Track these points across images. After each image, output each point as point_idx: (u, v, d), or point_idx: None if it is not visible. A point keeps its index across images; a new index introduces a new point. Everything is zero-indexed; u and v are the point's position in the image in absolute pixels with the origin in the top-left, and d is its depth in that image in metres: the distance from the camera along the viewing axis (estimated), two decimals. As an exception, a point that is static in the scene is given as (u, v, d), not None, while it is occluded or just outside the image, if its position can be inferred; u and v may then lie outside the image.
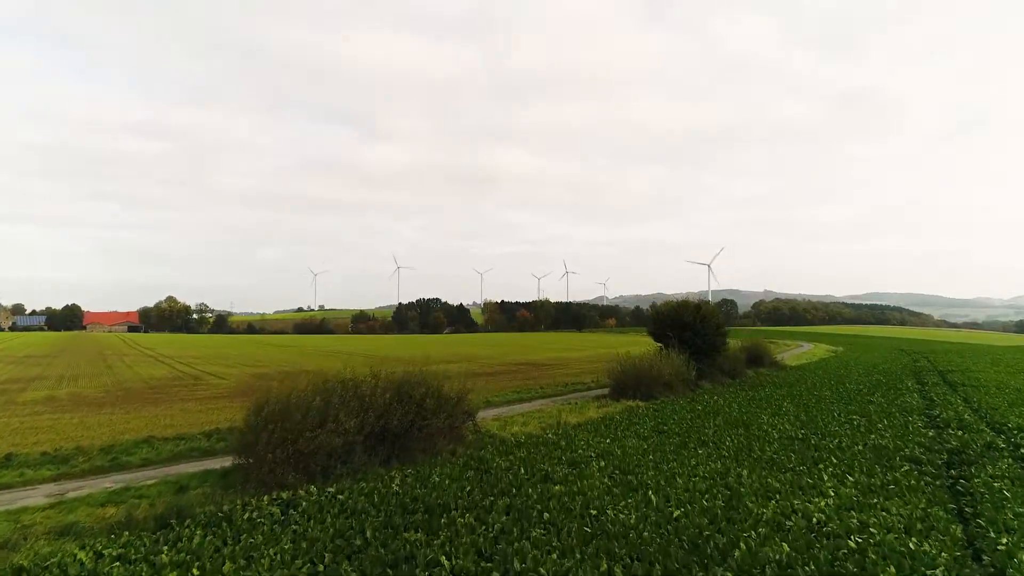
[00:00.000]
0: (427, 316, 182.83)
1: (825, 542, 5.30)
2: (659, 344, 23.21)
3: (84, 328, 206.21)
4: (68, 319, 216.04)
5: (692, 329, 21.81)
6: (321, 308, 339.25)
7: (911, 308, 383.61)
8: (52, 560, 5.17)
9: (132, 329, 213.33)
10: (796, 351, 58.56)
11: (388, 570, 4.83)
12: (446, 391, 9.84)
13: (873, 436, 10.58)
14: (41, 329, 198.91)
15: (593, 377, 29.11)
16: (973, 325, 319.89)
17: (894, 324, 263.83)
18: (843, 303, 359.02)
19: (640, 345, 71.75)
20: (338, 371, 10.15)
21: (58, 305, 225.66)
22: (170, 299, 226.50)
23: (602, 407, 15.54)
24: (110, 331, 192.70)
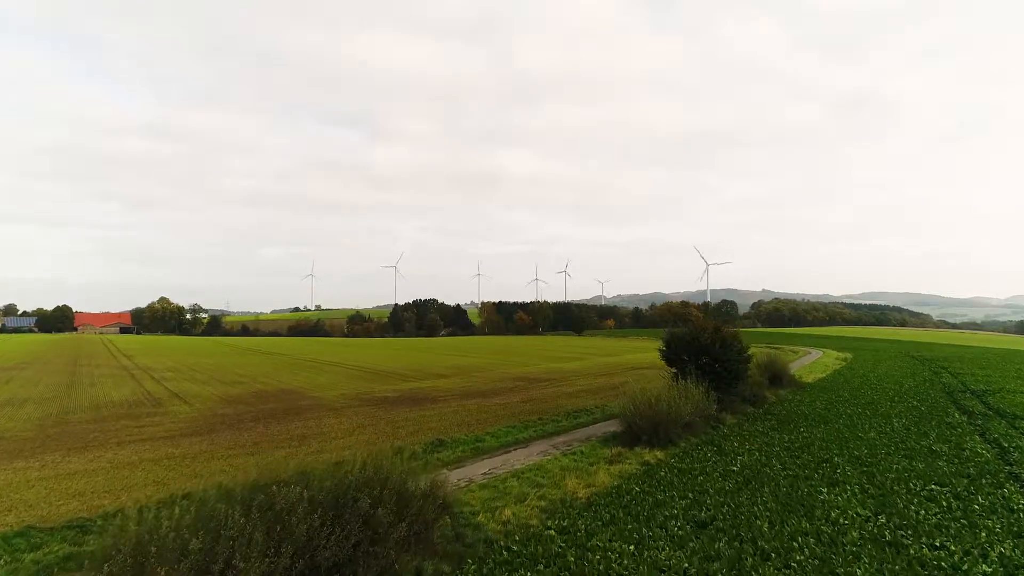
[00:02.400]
0: (423, 317, 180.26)
1: None
2: (672, 368, 20.59)
3: (75, 330, 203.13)
4: (59, 320, 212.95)
5: (711, 354, 19.18)
6: (318, 308, 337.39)
7: (910, 308, 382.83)
8: None
9: (124, 331, 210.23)
10: (806, 360, 56.03)
11: None
12: (411, 488, 7.12)
13: (982, 534, 7.95)
14: (31, 331, 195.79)
15: (597, 400, 26.47)
16: (973, 325, 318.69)
17: (894, 325, 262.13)
18: (842, 303, 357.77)
19: (642, 351, 69.25)
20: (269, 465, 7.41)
21: (55, 305, 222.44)
22: (163, 300, 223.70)
23: (614, 461, 12.88)
24: (101, 333, 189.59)
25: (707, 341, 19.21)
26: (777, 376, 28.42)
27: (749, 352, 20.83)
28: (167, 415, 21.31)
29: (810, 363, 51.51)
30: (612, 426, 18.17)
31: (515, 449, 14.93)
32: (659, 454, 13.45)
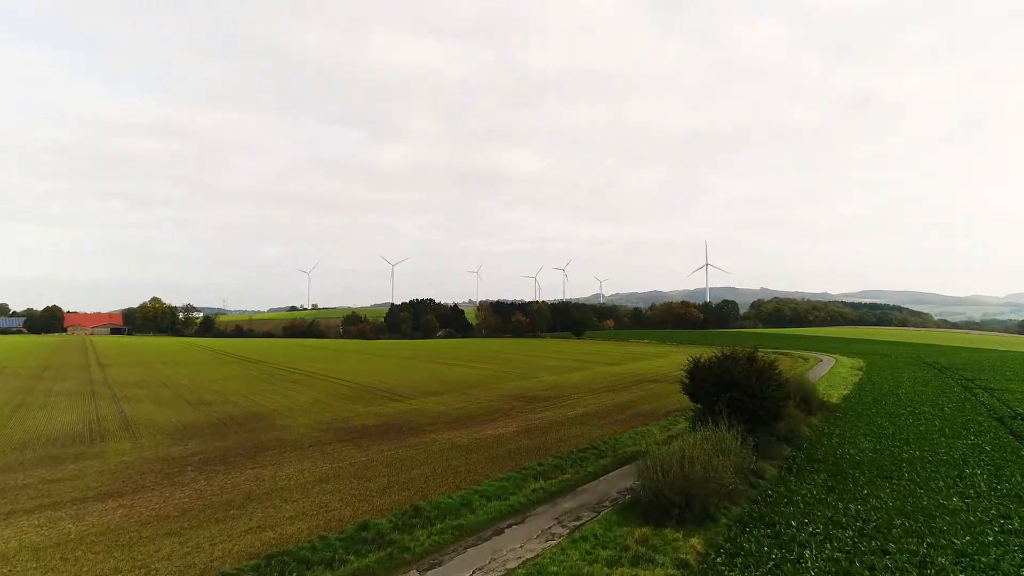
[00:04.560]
0: (420, 318, 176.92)
1: None
2: (696, 403, 17.46)
3: (65, 331, 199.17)
4: (48, 321, 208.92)
5: (744, 389, 16.03)
6: (314, 307, 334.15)
7: (908, 307, 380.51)
8: None
9: (115, 331, 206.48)
10: (821, 369, 52.92)
11: None
12: None
13: None
14: (19, 332, 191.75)
15: (605, 428, 23.35)
16: (973, 325, 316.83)
17: (895, 325, 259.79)
18: (841, 302, 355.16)
19: (646, 359, 65.92)
20: None
21: (45, 305, 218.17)
22: (155, 300, 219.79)
23: (641, 558, 9.72)
24: (91, 334, 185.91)
25: (740, 374, 16.05)
26: (806, 400, 25.35)
27: (788, 389, 17.65)
28: (100, 458, 18.06)
29: (826, 374, 48.41)
30: (628, 478, 15.04)
31: (510, 526, 11.73)
32: (697, 543, 10.27)
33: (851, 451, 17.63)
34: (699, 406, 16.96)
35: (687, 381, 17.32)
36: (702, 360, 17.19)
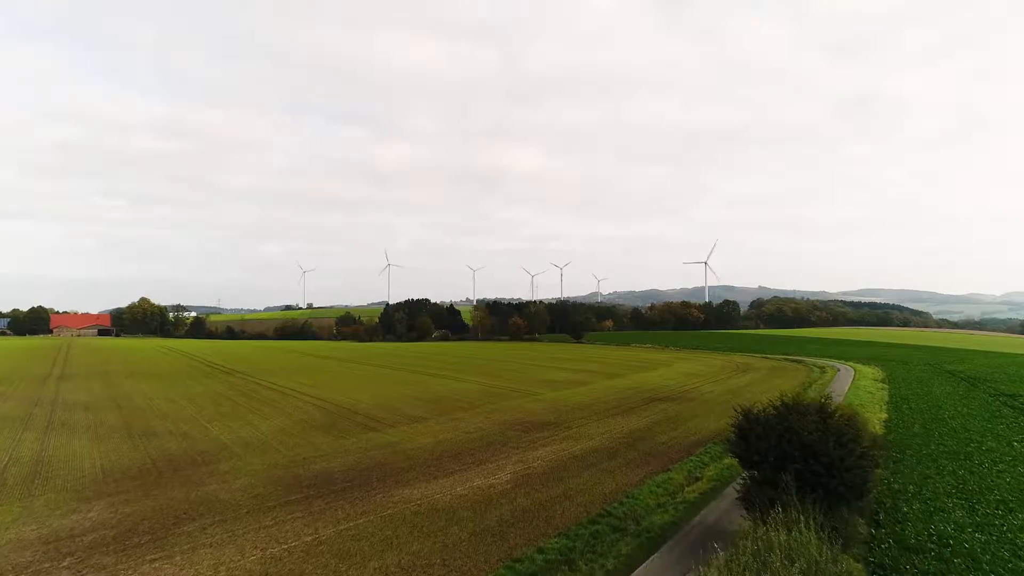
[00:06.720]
0: (415, 319, 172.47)
1: None
2: (749, 470, 13.24)
3: (51, 332, 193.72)
4: (33, 322, 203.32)
5: (817, 455, 11.81)
6: (309, 306, 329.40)
7: (907, 305, 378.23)
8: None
9: (103, 332, 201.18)
10: (841, 382, 48.71)
11: None
12: None
13: None
14: (4, 334, 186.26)
15: (617, 474, 19.24)
16: (973, 324, 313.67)
17: (896, 325, 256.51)
18: (841, 301, 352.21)
19: (651, 368, 61.58)
20: None
21: (31, 306, 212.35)
22: (143, 300, 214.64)
23: None
24: (79, 335, 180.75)
25: (812, 435, 11.84)
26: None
27: (875, 453, 13.39)
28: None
29: (850, 387, 44.24)
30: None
31: None
32: None
33: (947, 529, 13.45)
34: (753, 472, 12.76)
35: (736, 438, 13.09)
36: (756, 412, 12.96)
